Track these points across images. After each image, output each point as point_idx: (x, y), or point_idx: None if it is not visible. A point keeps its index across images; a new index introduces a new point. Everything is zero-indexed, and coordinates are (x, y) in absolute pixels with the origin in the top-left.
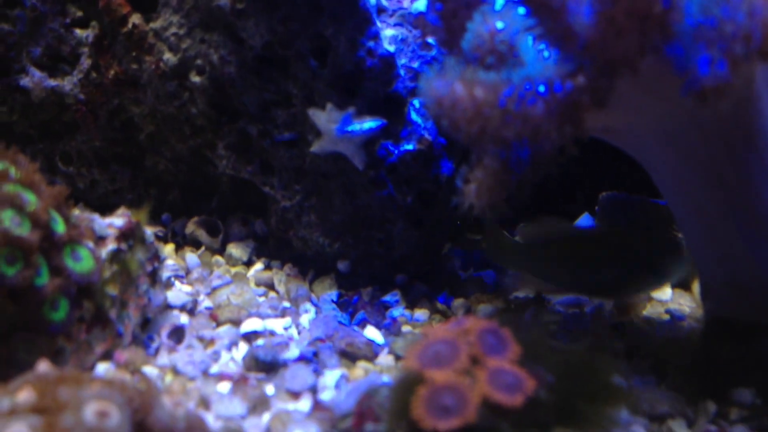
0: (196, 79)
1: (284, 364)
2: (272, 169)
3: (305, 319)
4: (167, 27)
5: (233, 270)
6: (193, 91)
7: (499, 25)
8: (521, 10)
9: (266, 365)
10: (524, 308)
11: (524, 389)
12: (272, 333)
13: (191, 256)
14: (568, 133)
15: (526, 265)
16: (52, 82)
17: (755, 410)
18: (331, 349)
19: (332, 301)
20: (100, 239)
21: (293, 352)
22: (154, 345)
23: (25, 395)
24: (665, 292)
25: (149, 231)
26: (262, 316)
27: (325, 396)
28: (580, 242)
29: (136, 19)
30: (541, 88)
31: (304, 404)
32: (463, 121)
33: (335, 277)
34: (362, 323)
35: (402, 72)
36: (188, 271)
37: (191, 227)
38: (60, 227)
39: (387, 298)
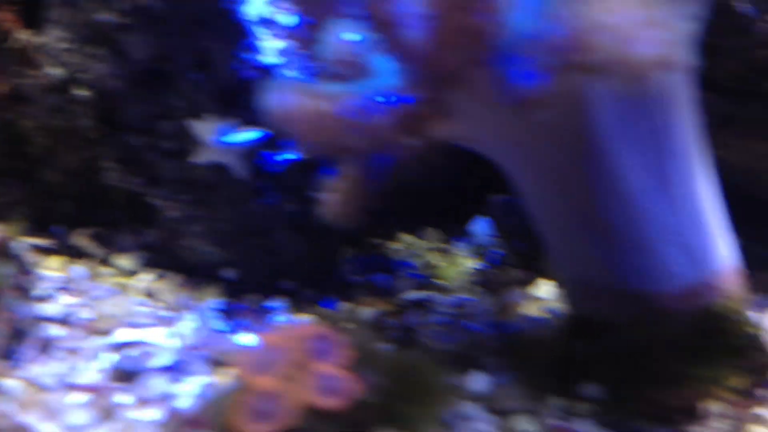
0: (83, 92)
1: (148, 372)
2: (159, 181)
3: (184, 328)
4: (54, 42)
5: (120, 281)
6: (81, 104)
7: (353, 37)
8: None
9: (129, 375)
10: (409, 310)
11: (349, 393)
12: (145, 343)
13: (78, 268)
14: (413, 142)
15: None
16: None
17: (601, 404)
18: (201, 357)
19: (217, 309)
20: None
21: (161, 360)
22: (19, 357)
23: None
24: (545, 290)
25: (23, 243)
26: (139, 326)
27: (183, 404)
28: None
29: (22, 34)
30: (384, 100)
31: (158, 413)
32: (309, 133)
33: (222, 286)
34: (243, 330)
35: None
36: (72, 283)
37: (81, 239)
38: None
39: (272, 304)
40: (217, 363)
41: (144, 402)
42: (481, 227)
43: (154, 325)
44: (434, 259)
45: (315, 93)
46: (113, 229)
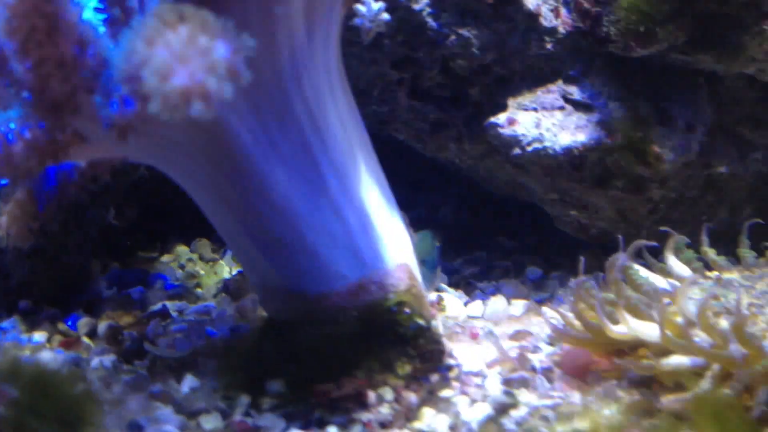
0: None
1: None
2: None
3: None
4: None
5: None
6: None
7: None
8: None
9: None
10: (152, 320)
11: None
12: None
13: None
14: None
15: None
16: None
17: (284, 399)
18: None
19: None
20: None
21: None
22: None
23: None
24: None
25: None
26: None
27: None
28: None
29: None
30: (20, 129)
31: None
32: None
33: None
34: None
35: None
36: None
37: None
38: None
39: (4, 324)
40: None
41: None
42: None
43: None
44: (198, 269)
45: None
46: None
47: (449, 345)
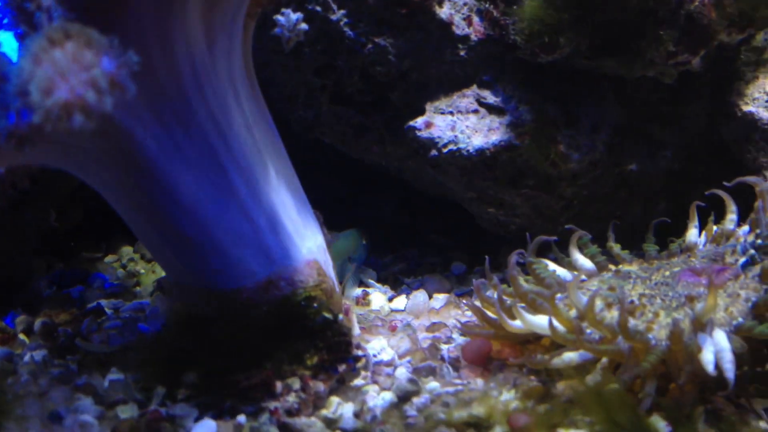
0: None
1: None
2: None
3: None
4: None
5: None
6: None
7: None
8: None
9: None
10: (87, 317)
11: None
12: None
13: None
14: None
15: None
16: None
17: (198, 389)
18: None
19: None
20: None
21: None
22: None
23: None
24: None
25: None
26: None
27: None
28: None
29: None
30: None
31: None
32: None
33: None
34: None
35: None
36: None
37: None
38: None
39: None
40: None
41: None
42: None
43: None
44: (139, 268)
45: None
46: None
47: (366, 337)
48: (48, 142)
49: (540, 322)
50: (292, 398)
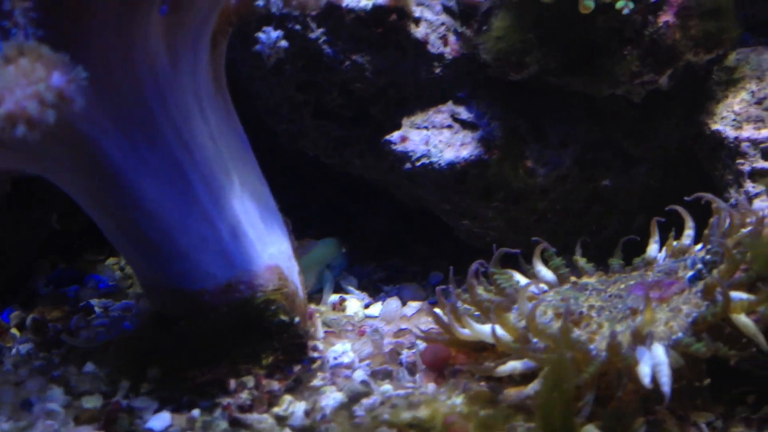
0: None
1: None
2: None
3: None
4: None
5: None
6: None
7: None
8: None
9: None
10: (77, 314)
11: None
12: None
13: None
14: None
15: None
16: None
17: (160, 383)
18: None
19: None
20: None
21: None
22: None
23: None
24: None
25: None
26: None
27: None
28: None
29: None
30: None
31: None
32: None
33: None
34: None
35: None
36: None
37: None
38: None
39: None
40: None
41: None
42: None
43: None
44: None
45: None
46: None
47: (332, 340)
48: (17, 150)
49: (486, 330)
50: (245, 395)
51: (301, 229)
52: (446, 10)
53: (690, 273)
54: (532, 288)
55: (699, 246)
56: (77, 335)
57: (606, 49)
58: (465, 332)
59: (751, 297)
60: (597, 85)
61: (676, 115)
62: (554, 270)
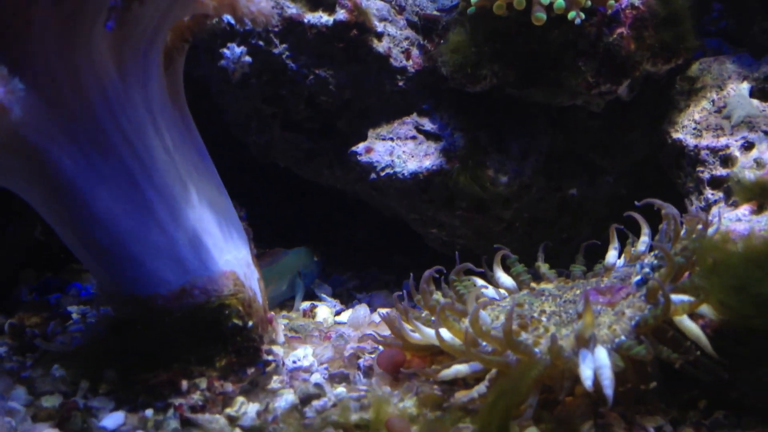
0: None
1: None
2: None
3: None
4: None
5: None
6: None
7: None
8: None
9: None
10: (54, 320)
11: None
12: None
13: None
14: None
15: None
16: None
17: (118, 385)
18: None
19: None
20: None
21: None
22: None
23: None
24: None
25: None
26: None
27: None
28: None
29: None
30: None
31: None
32: None
33: None
34: None
35: None
36: None
37: None
38: None
39: None
40: None
41: None
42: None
43: None
44: None
45: None
46: None
47: (295, 344)
48: None
49: (433, 333)
50: (197, 396)
51: (278, 240)
52: (410, 24)
53: (636, 278)
54: (492, 294)
55: (654, 252)
56: (52, 340)
57: (561, 62)
58: (415, 336)
59: (692, 299)
60: (556, 96)
61: (641, 124)
62: (515, 277)
